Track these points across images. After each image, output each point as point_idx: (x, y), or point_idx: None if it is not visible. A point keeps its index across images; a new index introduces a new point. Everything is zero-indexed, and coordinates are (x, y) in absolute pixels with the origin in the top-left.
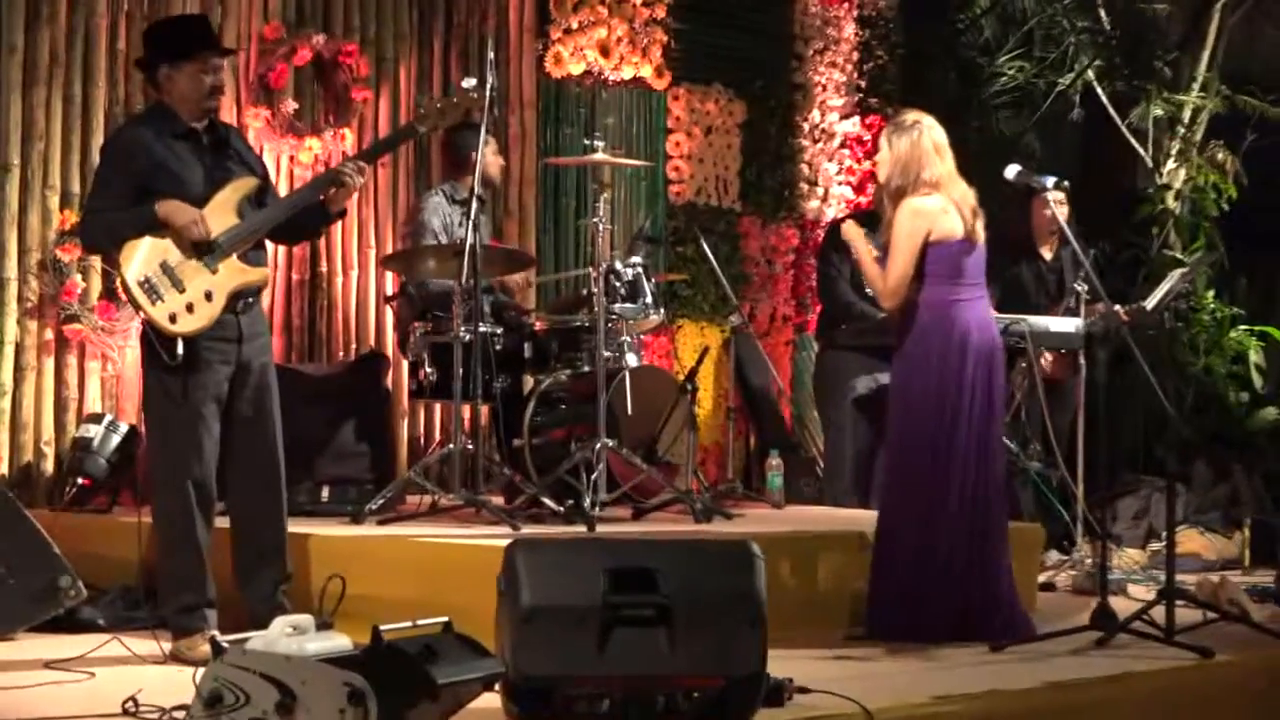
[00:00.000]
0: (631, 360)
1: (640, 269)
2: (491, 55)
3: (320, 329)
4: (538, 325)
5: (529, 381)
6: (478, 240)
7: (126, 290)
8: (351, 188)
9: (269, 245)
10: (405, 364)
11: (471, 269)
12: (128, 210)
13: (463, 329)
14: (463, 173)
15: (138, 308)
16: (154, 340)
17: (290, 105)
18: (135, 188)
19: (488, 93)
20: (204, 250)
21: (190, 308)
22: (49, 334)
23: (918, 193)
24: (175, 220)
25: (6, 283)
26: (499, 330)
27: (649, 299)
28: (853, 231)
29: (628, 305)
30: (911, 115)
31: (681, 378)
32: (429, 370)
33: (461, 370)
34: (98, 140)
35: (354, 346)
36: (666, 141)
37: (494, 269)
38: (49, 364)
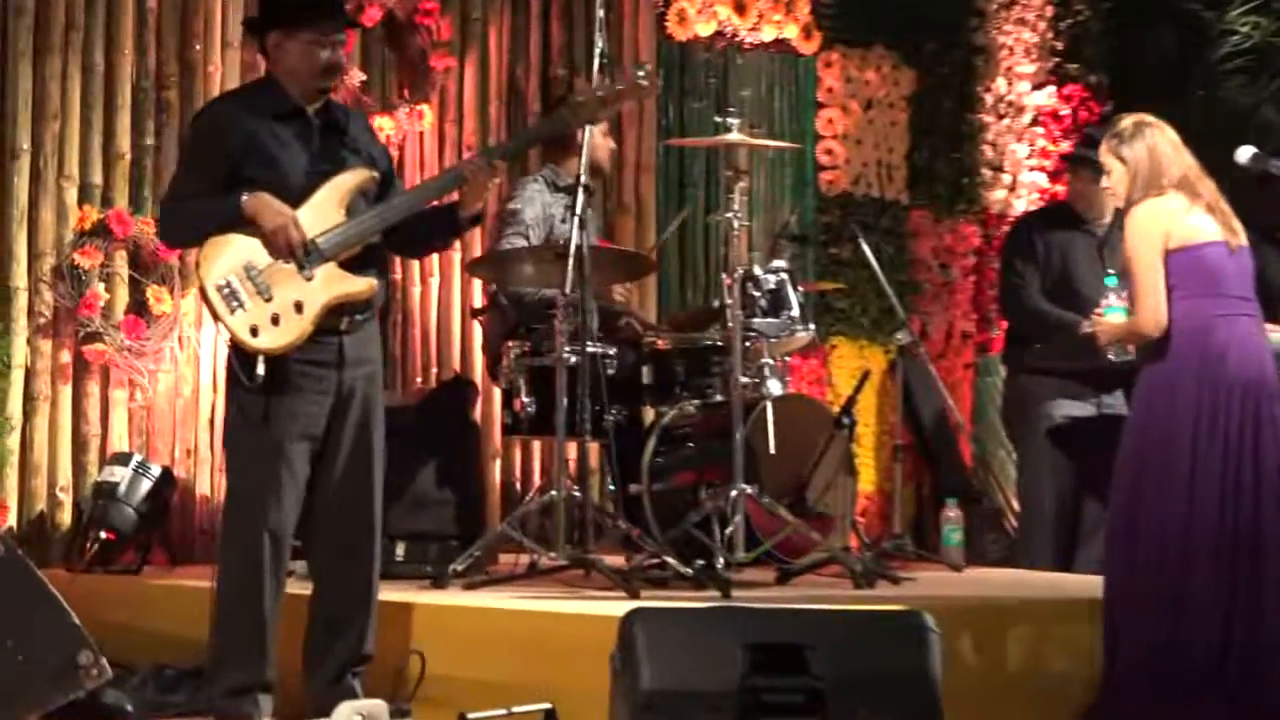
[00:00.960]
0: (774, 388)
1: (785, 276)
2: (601, 13)
3: (393, 350)
4: (659, 344)
5: (649, 414)
6: (585, 239)
7: (204, 295)
8: (481, 186)
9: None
10: (497, 392)
11: (578, 275)
12: (213, 200)
13: (567, 349)
14: (566, 155)
15: (216, 317)
16: (233, 358)
17: (356, 76)
18: (225, 173)
19: (596, 59)
20: (301, 253)
21: (275, 319)
22: (65, 356)
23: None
24: (262, 220)
25: (14, 294)
26: (612, 350)
27: (795, 312)
28: (1111, 331)
29: (769, 320)
30: (1130, 119)
31: (837, 409)
32: (526, 400)
33: (566, 400)
34: (123, 120)
35: (434, 371)
36: (816, 118)
37: (606, 274)
38: (65, 393)
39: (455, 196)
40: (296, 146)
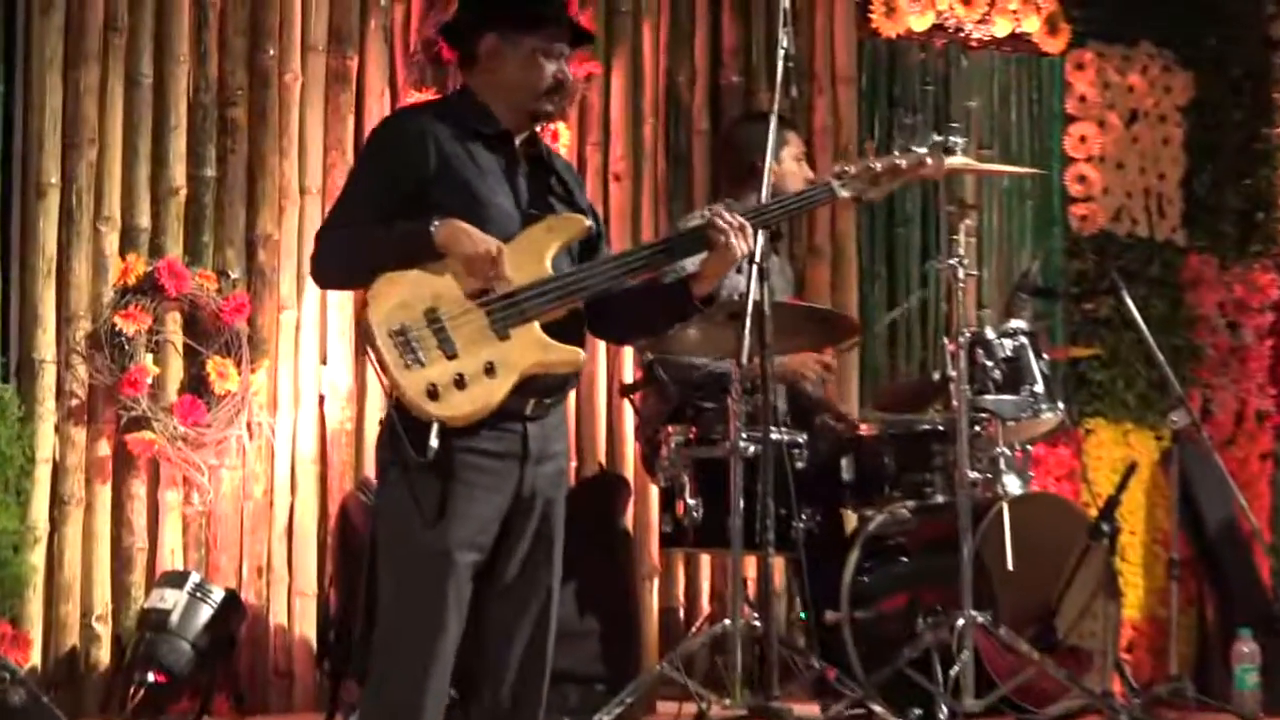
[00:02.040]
0: (1013, 485)
1: (1025, 340)
2: (787, 3)
3: None
4: (863, 430)
5: (850, 520)
6: (767, 295)
7: (370, 342)
8: (732, 253)
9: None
10: (654, 492)
11: (759, 341)
12: (392, 226)
13: (744, 436)
14: (744, 188)
15: (382, 369)
16: (397, 425)
17: None
18: (408, 198)
19: (780, 62)
20: (495, 305)
21: (460, 382)
22: (104, 447)
23: None
24: (459, 247)
25: (40, 368)
26: (801, 439)
27: (1039, 387)
28: None
29: (1006, 398)
30: None
31: (1094, 513)
32: (692, 502)
33: (744, 502)
34: (177, 145)
35: (573, 465)
36: (1065, 136)
37: (796, 340)
38: (103, 495)
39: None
40: (499, 178)
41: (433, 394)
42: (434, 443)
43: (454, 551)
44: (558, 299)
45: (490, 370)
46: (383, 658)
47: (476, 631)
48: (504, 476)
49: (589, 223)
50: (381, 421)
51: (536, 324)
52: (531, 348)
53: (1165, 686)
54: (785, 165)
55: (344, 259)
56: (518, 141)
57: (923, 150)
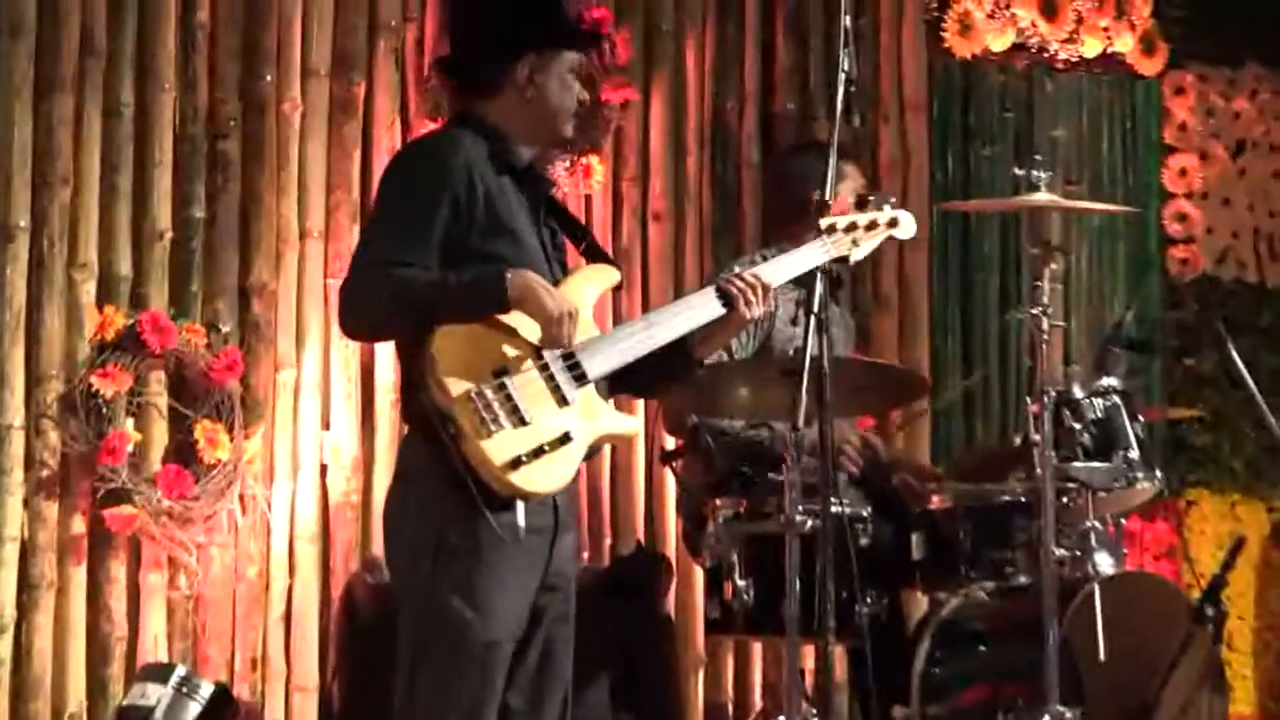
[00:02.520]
0: (1105, 564)
1: (1118, 400)
2: (848, 20)
3: None
4: (935, 502)
5: (920, 604)
6: (827, 348)
7: (440, 408)
8: (745, 317)
9: None
10: (699, 573)
11: (817, 402)
12: (444, 272)
13: (801, 509)
14: (797, 229)
15: (455, 441)
16: (477, 500)
17: None
18: (457, 240)
19: (841, 86)
20: (556, 366)
21: (539, 452)
22: (79, 524)
23: None
24: (536, 305)
25: (6, 434)
26: (866, 512)
27: (1135, 453)
28: None
29: (1096, 465)
30: None
31: (1197, 595)
32: (742, 584)
33: (800, 584)
34: (161, 183)
35: (606, 543)
36: (1163, 169)
37: (859, 401)
38: (78, 577)
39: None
40: (529, 219)
41: (516, 465)
42: (521, 522)
43: (505, 642)
44: (618, 360)
45: (566, 439)
46: None
47: None
48: (538, 553)
49: (617, 273)
50: (393, 492)
51: (593, 387)
52: (595, 414)
53: None
54: (845, 202)
55: (396, 305)
56: (523, 172)
57: (897, 212)
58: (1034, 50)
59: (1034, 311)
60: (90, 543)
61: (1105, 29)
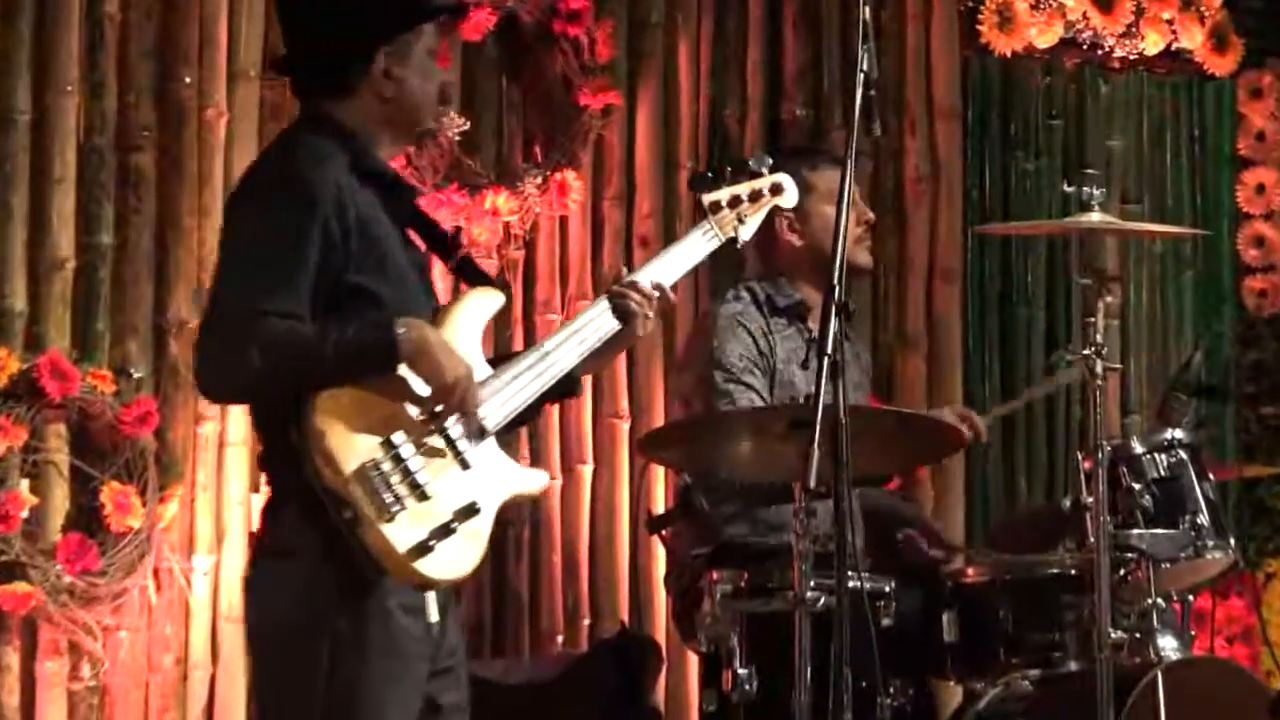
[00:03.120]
0: (1170, 647)
1: (1185, 455)
2: (867, 13)
3: (516, 589)
4: (969, 575)
5: (954, 693)
6: (842, 395)
7: (332, 488)
8: (642, 328)
9: None
10: (693, 659)
11: (830, 456)
12: (324, 323)
13: (813, 584)
14: (767, 246)
15: (353, 528)
16: (380, 596)
17: (455, 124)
18: (330, 276)
19: (860, 88)
20: (450, 424)
21: (447, 531)
22: None
23: None
24: (433, 370)
25: None
26: (888, 586)
27: (1203, 518)
28: None
29: (1160, 532)
30: None
31: (1278, 683)
32: (743, 672)
33: (812, 670)
34: (62, 202)
35: (585, 624)
36: (1238, 185)
37: (881, 456)
38: None
39: None
40: (398, 238)
41: (424, 551)
42: (434, 617)
43: None
44: (518, 403)
45: (473, 510)
46: None
47: None
48: (425, 638)
49: (501, 293)
50: (251, 578)
51: (493, 439)
52: (500, 474)
53: None
54: (813, 211)
55: (267, 365)
56: (389, 177)
57: (777, 176)
58: (1086, 47)
59: (1086, 353)
60: None
61: (1169, 22)
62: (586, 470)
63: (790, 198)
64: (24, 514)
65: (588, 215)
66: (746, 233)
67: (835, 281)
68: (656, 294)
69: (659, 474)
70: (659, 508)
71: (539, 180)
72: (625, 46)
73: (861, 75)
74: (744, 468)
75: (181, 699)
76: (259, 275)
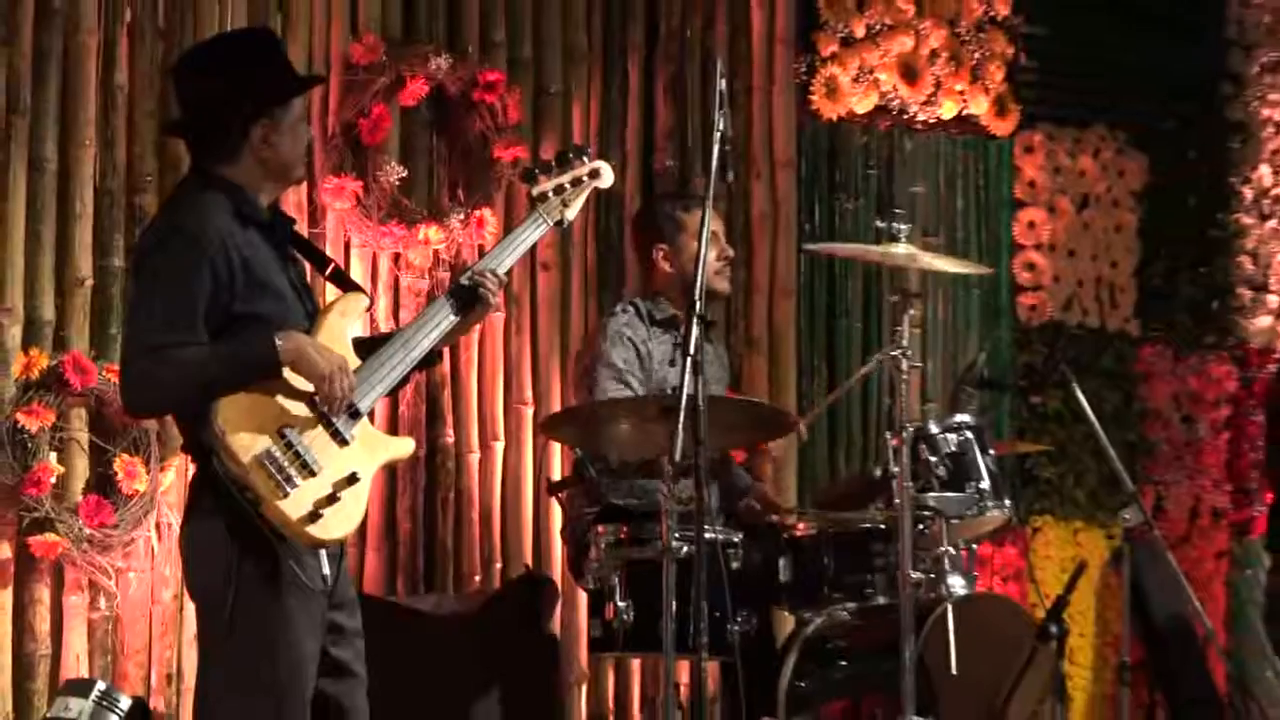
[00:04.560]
0: (958, 586)
1: (970, 435)
2: (723, 84)
3: (442, 538)
4: (800, 529)
5: (787, 622)
6: (701, 388)
7: (235, 475)
8: (478, 316)
9: None
10: (582, 595)
11: (691, 436)
12: (215, 345)
13: (677, 536)
14: (656, 277)
15: (255, 505)
16: (279, 557)
17: (395, 172)
18: (220, 307)
19: (717, 144)
20: (330, 410)
21: (333, 498)
22: (5, 550)
23: None
24: (310, 367)
25: None
26: (737, 538)
27: (986, 484)
28: None
29: (950, 495)
30: None
31: (1041, 614)
32: (622, 605)
33: (676, 605)
34: (82, 234)
35: (497, 567)
36: (1014, 222)
37: (728, 435)
38: (4, 599)
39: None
40: (278, 266)
41: (315, 518)
42: (325, 569)
43: (309, 685)
44: (384, 389)
45: (353, 480)
46: None
47: None
48: (323, 580)
49: (365, 298)
50: (185, 540)
51: (365, 419)
52: (375, 446)
53: None
54: (683, 245)
55: (179, 389)
56: (268, 217)
57: (596, 163)
58: (895, 113)
59: (894, 354)
60: (16, 568)
61: (961, 92)
62: (499, 446)
63: (606, 179)
64: (53, 480)
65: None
66: (571, 214)
67: (697, 298)
68: (495, 279)
69: (556, 449)
70: (556, 475)
71: (462, 216)
72: (530, 111)
73: (718, 134)
74: (624, 445)
75: (178, 626)
76: (162, 316)
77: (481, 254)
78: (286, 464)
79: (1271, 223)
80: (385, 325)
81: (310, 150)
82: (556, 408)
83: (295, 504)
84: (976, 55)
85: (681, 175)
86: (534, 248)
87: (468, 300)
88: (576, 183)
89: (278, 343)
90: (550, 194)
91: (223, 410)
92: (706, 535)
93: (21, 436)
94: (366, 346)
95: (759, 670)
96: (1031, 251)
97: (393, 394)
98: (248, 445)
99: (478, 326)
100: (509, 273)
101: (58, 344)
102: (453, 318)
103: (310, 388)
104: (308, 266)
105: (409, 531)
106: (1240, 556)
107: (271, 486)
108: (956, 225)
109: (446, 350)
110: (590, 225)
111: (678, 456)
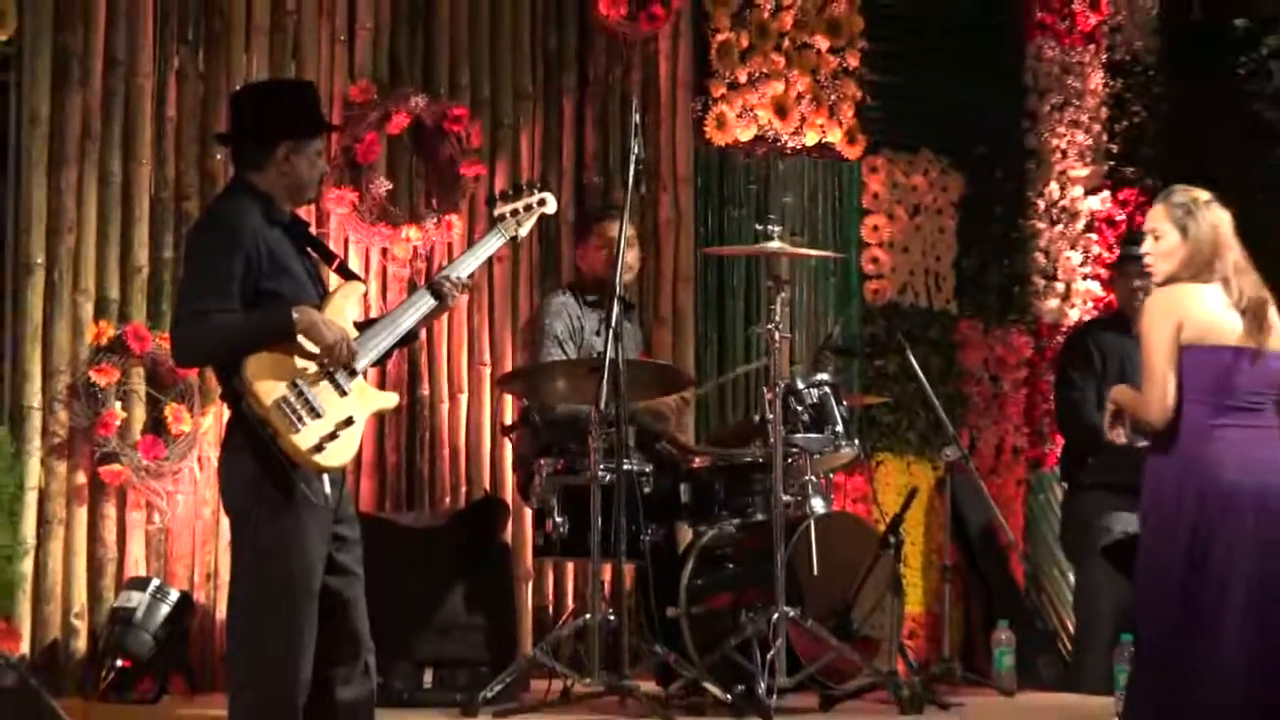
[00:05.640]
0: (818, 506)
1: (828, 389)
2: (637, 117)
3: (420, 468)
4: (697, 462)
5: (686, 534)
6: (620, 352)
7: (258, 415)
8: (447, 307)
9: None
10: (528, 513)
11: (613, 390)
12: (246, 313)
13: (602, 467)
14: (582, 268)
15: (275, 437)
16: (293, 480)
17: (383, 185)
18: (250, 285)
19: (632, 165)
20: (333, 368)
21: (333, 436)
22: (81, 477)
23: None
24: (319, 336)
25: (28, 413)
26: (648, 468)
27: (839, 427)
28: (1124, 395)
29: (812, 436)
30: (1197, 192)
31: (882, 528)
32: (559, 520)
33: (601, 520)
34: (140, 232)
35: (463, 491)
36: (861, 225)
37: (642, 390)
38: (80, 515)
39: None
40: (297, 258)
41: (319, 449)
42: (328, 490)
43: (313, 581)
44: (376, 354)
45: (350, 422)
46: (254, 684)
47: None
48: (326, 501)
49: (363, 284)
50: (221, 468)
51: (361, 377)
52: (368, 398)
53: (938, 666)
54: (602, 248)
55: (210, 345)
56: (291, 222)
57: (544, 194)
58: (770, 141)
59: (769, 327)
60: (89, 491)
61: (821, 125)
62: (464, 398)
63: (550, 207)
64: (117, 423)
65: (465, 242)
66: (523, 232)
67: (618, 284)
68: (462, 282)
69: (508, 400)
70: (509, 420)
71: (435, 220)
72: (488, 138)
73: (634, 156)
74: (561, 397)
75: (216, 537)
76: (205, 288)
77: (450, 252)
78: (299, 407)
79: (1059, 227)
80: (375, 304)
81: (322, 181)
82: (509, 368)
83: (304, 438)
84: (833, 97)
85: (606, 188)
86: None
87: (438, 293)
88: (528, 209)
89: (294, 314)
90: (508, 215)
91: (250, 365)
92: (625, 466)
93: (94, 390)
94: (363, 325)
95: (665, 571)
96: (875, 248)
97: (380, 362)
98: (269, 391)
99: (444, 314)
100: (472, 275)
101: (122, 317)
102: (431, 303)
103: (318, 351)
104: (318, 259)
105: (395, 463)
106: (1035, 484)
107: (286, 424)
108: (817, 228)
109: None
110: (535, 228)
111: (603, 406)
